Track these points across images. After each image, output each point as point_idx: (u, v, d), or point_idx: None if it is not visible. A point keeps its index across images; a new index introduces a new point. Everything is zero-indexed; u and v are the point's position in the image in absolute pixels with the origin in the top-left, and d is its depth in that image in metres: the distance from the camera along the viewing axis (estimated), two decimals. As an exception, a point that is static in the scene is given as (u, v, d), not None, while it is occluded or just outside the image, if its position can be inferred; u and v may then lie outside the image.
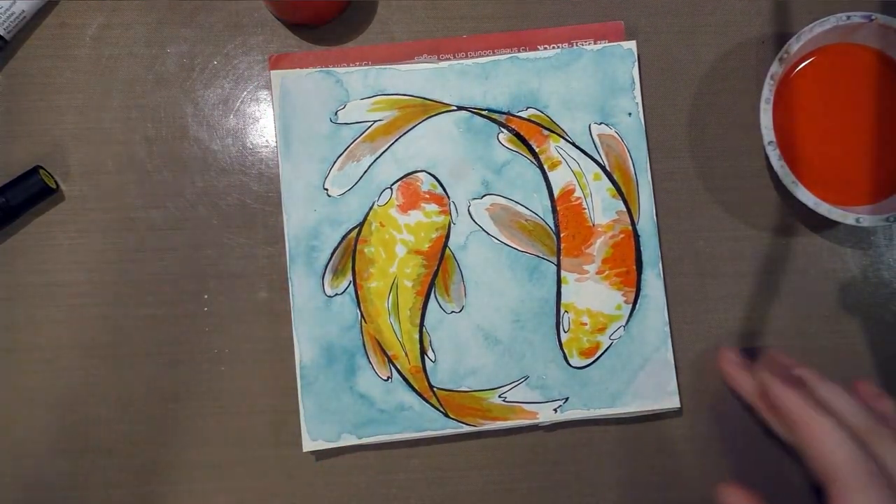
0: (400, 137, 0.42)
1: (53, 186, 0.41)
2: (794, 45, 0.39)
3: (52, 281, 0.42)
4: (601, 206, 0.42)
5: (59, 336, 0.42)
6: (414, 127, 0.42)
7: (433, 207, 0.42)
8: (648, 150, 0.43)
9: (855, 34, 0.41)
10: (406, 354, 0.42)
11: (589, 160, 0.42)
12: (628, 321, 0.42)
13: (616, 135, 0.43)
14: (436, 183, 0.42)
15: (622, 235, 0.42)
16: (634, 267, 0.42)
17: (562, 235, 0.42)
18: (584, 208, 0.42)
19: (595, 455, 0.42)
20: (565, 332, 0.42)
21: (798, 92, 0.41)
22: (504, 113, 0.43)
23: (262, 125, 0.43)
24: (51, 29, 0.43)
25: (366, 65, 0.43)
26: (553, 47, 0.43)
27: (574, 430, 0.42)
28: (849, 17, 0.39)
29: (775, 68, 0.39)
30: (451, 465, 0.42)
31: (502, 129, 0.43)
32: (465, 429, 0.41)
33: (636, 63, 0.43)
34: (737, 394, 0.41)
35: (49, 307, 0.42)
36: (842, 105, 0.42)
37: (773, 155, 0.39)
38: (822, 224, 0.43)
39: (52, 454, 0.41)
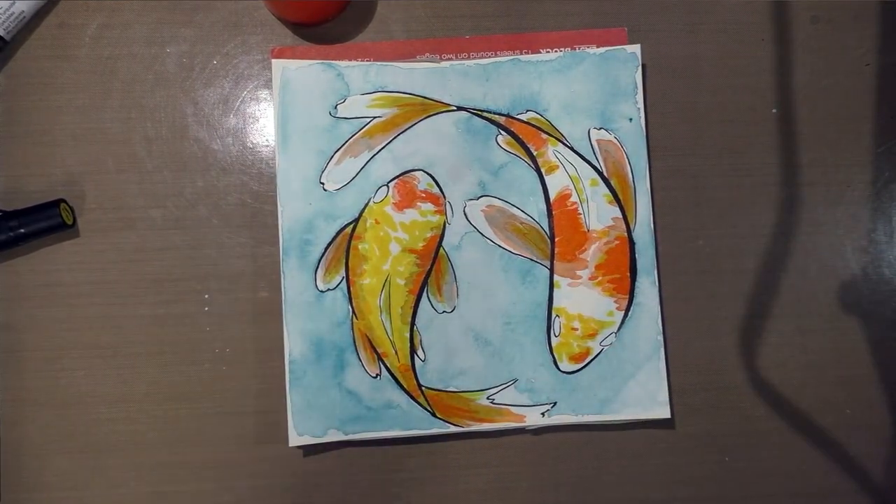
0: (399, 135, 0.42)
1: (70, 222, 0.41)
2: None
3: (53, 281, 0.42)
4: (597, 212, 0.42)
5: (60, 336, 0.42)
6: (413, 125, 0.42)
7: (429, 207, 0.42)
8: (649, 155, 0.42)
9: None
10: (396, 353, 0.42)
11: (587, 165, 0.42)
12: (620, 328, 0.42)
13: (615, 140, 0.42)
14: (432, 182, 0.42)
15: (617, 242, 0.42)
16: (628, 274, 0.42)
17: (556, 240, 0.42)
18: (580, 213, 0.42)
19: (585, 458, 0.42)
20: (556, 336, 0.42)
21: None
22: (504, 115, 0.42)
23: (262, 124, 0.43)
24: (50, 29, 0.43)
25: (367, 61, 0.43)
26: (555, 50, 0.43)
27: (564, 433, 0.42)
28: None
29: None
30: (443, 464, 0.42)
31: (501, 131, 0.42)
32: (452, 429, 0.41)
33: (639, 67, 0.42)
34: None
35: (50, 307, 0.42)
36: None
37: None
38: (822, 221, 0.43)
39: (53, 454, 0.42)
